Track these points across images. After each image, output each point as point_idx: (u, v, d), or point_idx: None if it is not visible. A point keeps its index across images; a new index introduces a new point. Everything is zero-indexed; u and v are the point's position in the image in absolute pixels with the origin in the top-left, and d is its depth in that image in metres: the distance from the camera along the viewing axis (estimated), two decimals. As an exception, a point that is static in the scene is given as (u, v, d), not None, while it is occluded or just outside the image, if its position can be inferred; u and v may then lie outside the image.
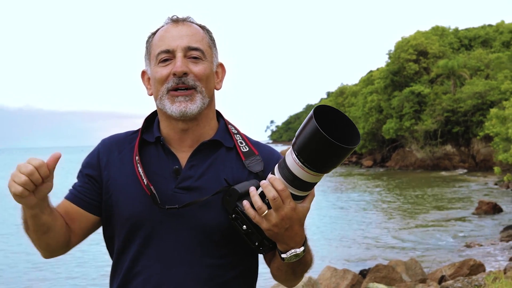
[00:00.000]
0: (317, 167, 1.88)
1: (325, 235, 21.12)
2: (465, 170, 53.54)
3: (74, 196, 2.29)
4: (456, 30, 74.00)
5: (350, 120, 1.90)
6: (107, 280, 2.39)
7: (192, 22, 2.28)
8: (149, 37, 2.31)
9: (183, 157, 2.26)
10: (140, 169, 2.19)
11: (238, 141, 2.33)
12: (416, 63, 61.82)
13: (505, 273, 10.26)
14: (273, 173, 2.00)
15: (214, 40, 2.32)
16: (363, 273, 13.48)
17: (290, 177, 1.94)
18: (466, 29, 75.24)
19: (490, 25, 75.03)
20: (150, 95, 2.32)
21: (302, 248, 2.08)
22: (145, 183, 2.16)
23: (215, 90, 2.33)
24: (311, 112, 1.85)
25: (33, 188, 1.96)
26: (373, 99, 64.45)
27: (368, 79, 72.70)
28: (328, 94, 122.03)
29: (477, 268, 13.34)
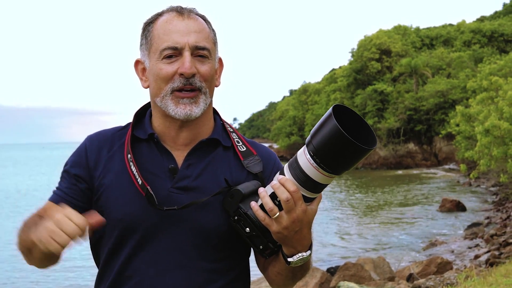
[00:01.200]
0: (333, 168, 1.81)
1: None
2: (428, 168, 54.18)
3: (62, 199, 2.11)
4: (418, 29, 75.07)
5: (365, 122, 1.83)
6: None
7: (197, 14, 2.14)
8: (147, 25, 2.13)
9: (178, 155, 2.14)
10: (133, 168, 2.06)
11: (235, 140, 2.22)
12: (378, 62, 62.51)
13: (477, 273, 10.25)
14: (282, 174, 1.91)
15: (216, 35, 2.19)
16: (331, 271, 13.47)
17: (302, 178, 1.85)
18: (428, 28, 76.39)
19: (451, 25, 76.30)
20: (146, 87, 2.15)
21: (308, 252, 2.00)
22: (140, 183, 2.03)
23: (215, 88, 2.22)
24: (329, 111, 1.77)
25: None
26: (336, 97, 64.91)
27: (331, 77, 73.32)
28: (291, 92, 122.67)
29: (444, 265, 13.41)
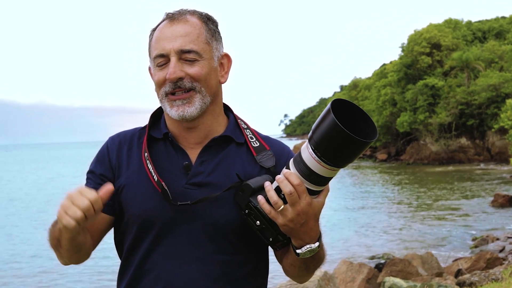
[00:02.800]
0: (334, 161, 1.86)
1: (341, 229, 21.09)
2: (481, 163, 53.29)
3: None
4: (469, 22, 73.58)
5: (367, 114, 1.88)
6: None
7: (192, 15, 2.21)
8: (150, 34, 2.25)
9: (192, 153, 2.23)
10: (149, 166, 2.17)
11: (249, 136, 2.29)
12: (429, 56, 61.54)
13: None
14: (288, 168, 1.98)
15: (215, 32, 2.24)
16: (379, 267, 13.47)
17: (306, 172, 1.92)
18: (480, 21, 74.82)
19: (503, 17, 74.53)
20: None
21: (317, 244, 2.06)
22: (156, 179, 2.13)
23: (221, 84, 2.28)
24: (328, 105, 1.83)
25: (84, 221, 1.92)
26: (387, 92, 64.20)
27: (382, 72, 72.46)
28: (342, 87, 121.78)
29: (493, 261, 13.27)
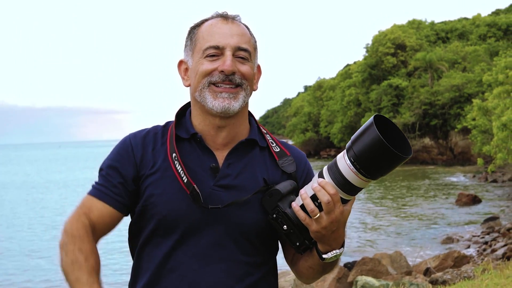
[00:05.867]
0: (372, 173, 1.95)
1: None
2: (444, 163, 53.94)
3: (104, 195, 2.20)
4: (433, 23, 74.62)
5: (401, 132, 1.98)
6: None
7: (240, 22, 2.28)
8: (193, 28, 2.28)
9: (218, 155, 2.25)
10: (178, 166, 2.16)
11: (270, 141, 2.35)
12: (393, 57, 62.21)
13: (494, 266, 10.27)
14: (321, 177, 2.05)
15: (256, 42, 2.33)
16: (348, 266, 13.51)
17: (342, 182, 1.99)
18: (443, 22, 75.84)
19: (466, 18, 75.67)
20: (187, 86, 2.29)
21: (342, 249, 2.15)
22: (185, 181, 2.13)
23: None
24: (371, 119, 1.92)
25: None
26: (351, 92, 64.72)
27: (346, 73, 73.05)
28: (306, 88, 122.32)
29: (461, 260, 13.44)
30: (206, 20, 2.27)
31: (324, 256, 2.12)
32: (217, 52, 2.17)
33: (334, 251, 2.12)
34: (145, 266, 2.22)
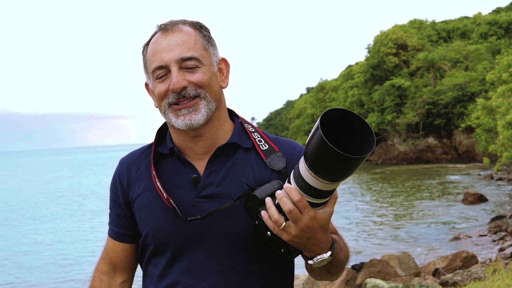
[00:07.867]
0: (330, 177, 1.76)
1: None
2: (448, 162, 53.88)
3: (116, 234, 2.31)
4: (434, 22, 74.53)
5: (365, 122, 1.77)
6: None
7: (184, 24, 2.17)
8: (144, 48, 2.22)
9: (200, 165, 2.18)
10: (158, 184, 2.14)
11: (257, 139, 2.23)
12: (395, 57, 62.18)
13: (504, 266, 10.21)
14: (289, 181, 1.89)
15: (209, 38, 2.20)
16: (356, 268, 13.45)
17: (305, 187, 1.82)
18: (444, 22, 75.77)
19: (467, 17, 75.58)
20: (157, 107, 2.22)
21: (329, 253, 1.99)
22: (165, 197, 2.10)
23: (222, 89, 2.23)
24: (319, 119, 1.72)
25: None
26: (354, 93, 64.72)
27: (348, 74, 73.00)
28: (308, 89, 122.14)
29: (469, 260, 13.36)
30: (152, 36, 2.19)
31: (309, 262, 1.99)
32: (164, 71, 2.10)
33: (319, 256, 1.97)
34: (149, 285, 2.24)
